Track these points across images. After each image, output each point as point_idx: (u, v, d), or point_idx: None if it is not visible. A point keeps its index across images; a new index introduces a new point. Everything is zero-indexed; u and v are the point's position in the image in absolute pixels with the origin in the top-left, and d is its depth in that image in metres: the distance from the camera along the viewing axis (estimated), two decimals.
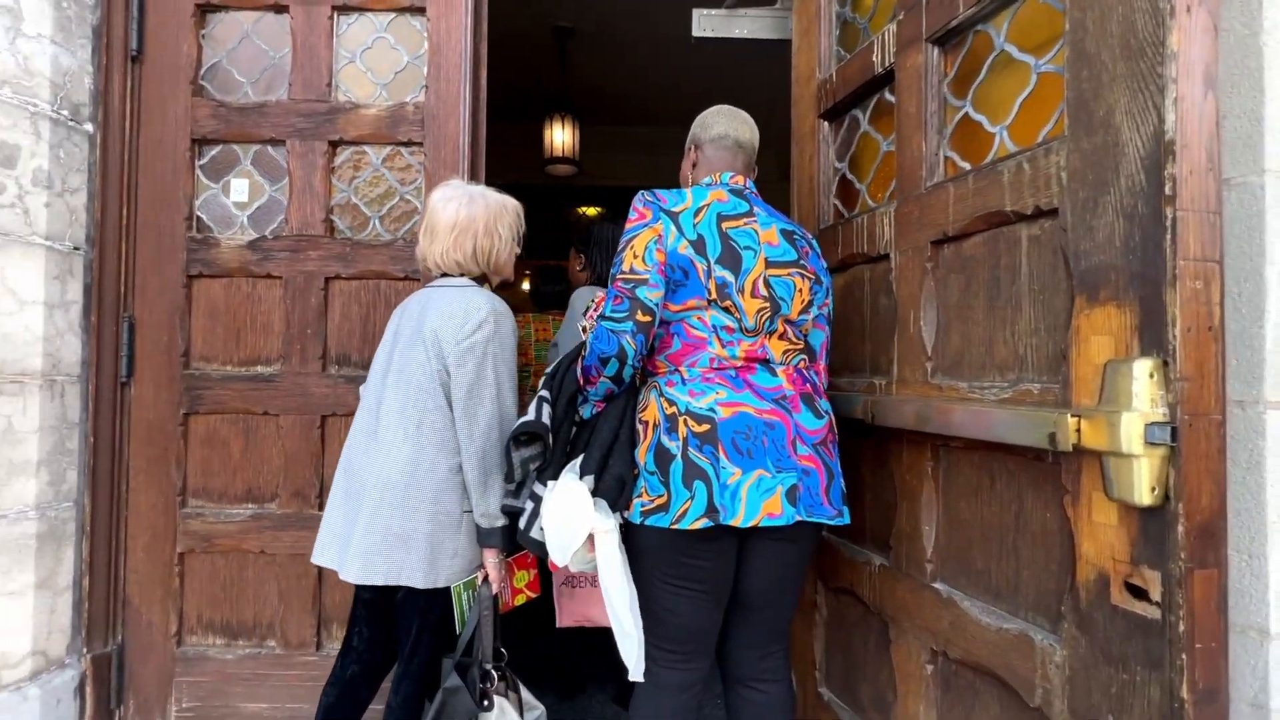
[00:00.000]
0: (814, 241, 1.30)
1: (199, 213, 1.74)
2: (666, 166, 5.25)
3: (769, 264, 1.19)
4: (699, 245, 1.16)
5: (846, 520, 1.21)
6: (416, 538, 1.28)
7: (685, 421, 1.13)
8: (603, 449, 1.19)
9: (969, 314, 1.12)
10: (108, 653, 1.67)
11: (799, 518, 1.13)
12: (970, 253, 1.12)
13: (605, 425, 1.21)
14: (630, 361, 1.14)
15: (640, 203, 1.20)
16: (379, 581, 1.27)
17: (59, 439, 1.59)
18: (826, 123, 1.58)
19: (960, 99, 1.17)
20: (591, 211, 5.49)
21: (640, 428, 1.20)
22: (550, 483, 1.21)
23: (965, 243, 1.12)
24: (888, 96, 1.37)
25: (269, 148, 1.74)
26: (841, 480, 1.23)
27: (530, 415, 1.25)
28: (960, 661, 1.09)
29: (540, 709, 1.43)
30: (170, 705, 1.68)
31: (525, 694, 1.42)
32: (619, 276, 1.16)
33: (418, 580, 1.27)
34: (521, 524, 1.27)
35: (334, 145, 1.73)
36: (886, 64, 1.31)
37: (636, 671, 1.16)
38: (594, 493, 1.16)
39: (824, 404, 1.23)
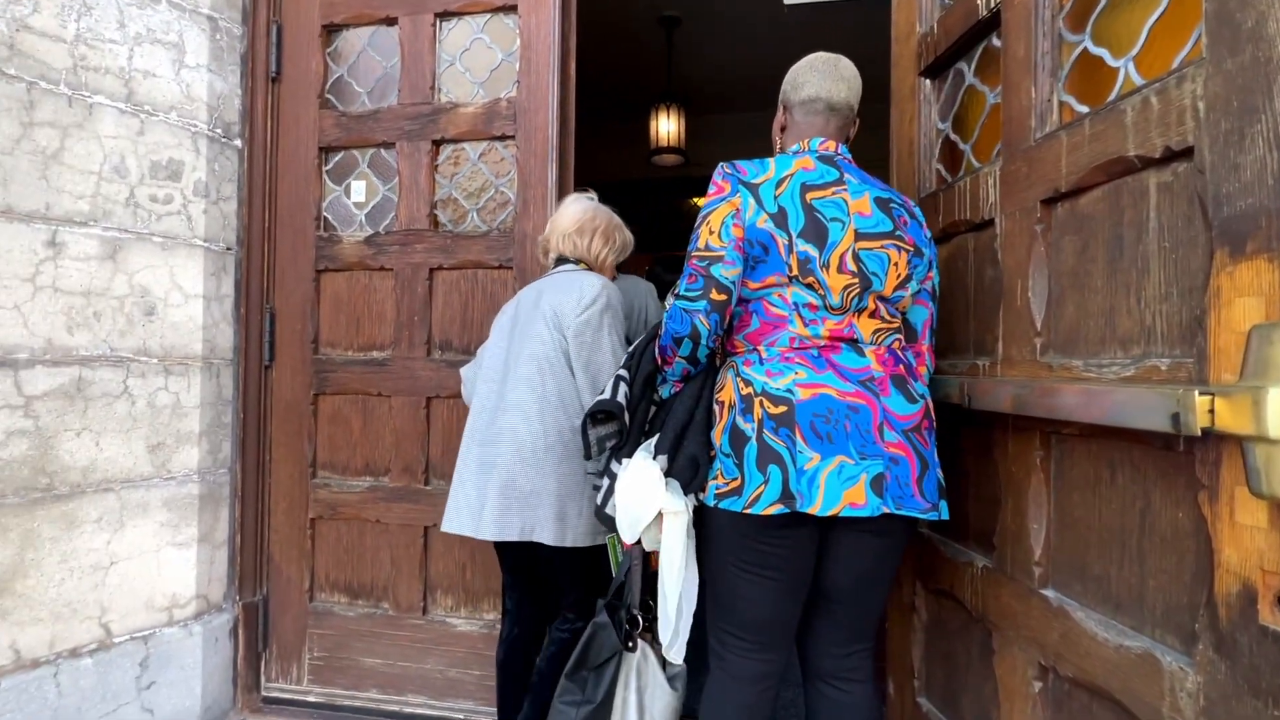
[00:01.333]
0: (916, 209, 1.19)
1: (325, 213, 1.93)
2: (770, 150, 5.06)
3: (859, 236, 1.10)
4: (780, 218, 1.09)
5: (944, 515, 1.10)
6: (546, 496, 1.37)
7: (761, 402, 1.07)
8: (677, 429, 1.16)
9: (1086, 281, 0.97)
10: (255, 602, 1.90)
11: (886, 509, 1.05)
12: (1087, 210, 0.96)
13: (680, 405, 1.19)
14: (704, 341, 1.11)
15: (719, 175, 1.15)
16: (513, 537, 1.36)
17: (216, 414, 1.83)
18: (928, 80, 1.43)
19: (1078, 33, 1.01)
20: (701, 202, 5.43)
21: (716, 408, 1.16)
22: (625, 460, 1.21)
23: (1081, 199, 0.97)
24: (995, 42, 1.22)
25: (381, 150, 1.89)
26: (939, 471, 1.12)
27: (606, 394, 1.25)
28: (1073, 680, 0.95)
29: (681, 668, 1.40)
30: (304, 653, 1.88)
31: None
32: (694, 254, 1.12)
33: (548, 537, 1.36)
34: (598, 499, 1.28)
35: (436, 144, 1.85)
36: (992, 5, 1.17)
37: (672, 652, 1.16)
38: (667, 473, 1.14)
39: (919, 387, 1.13)
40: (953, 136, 1.36)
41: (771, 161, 1.15)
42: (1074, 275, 0.99)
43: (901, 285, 1.13)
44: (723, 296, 1.09)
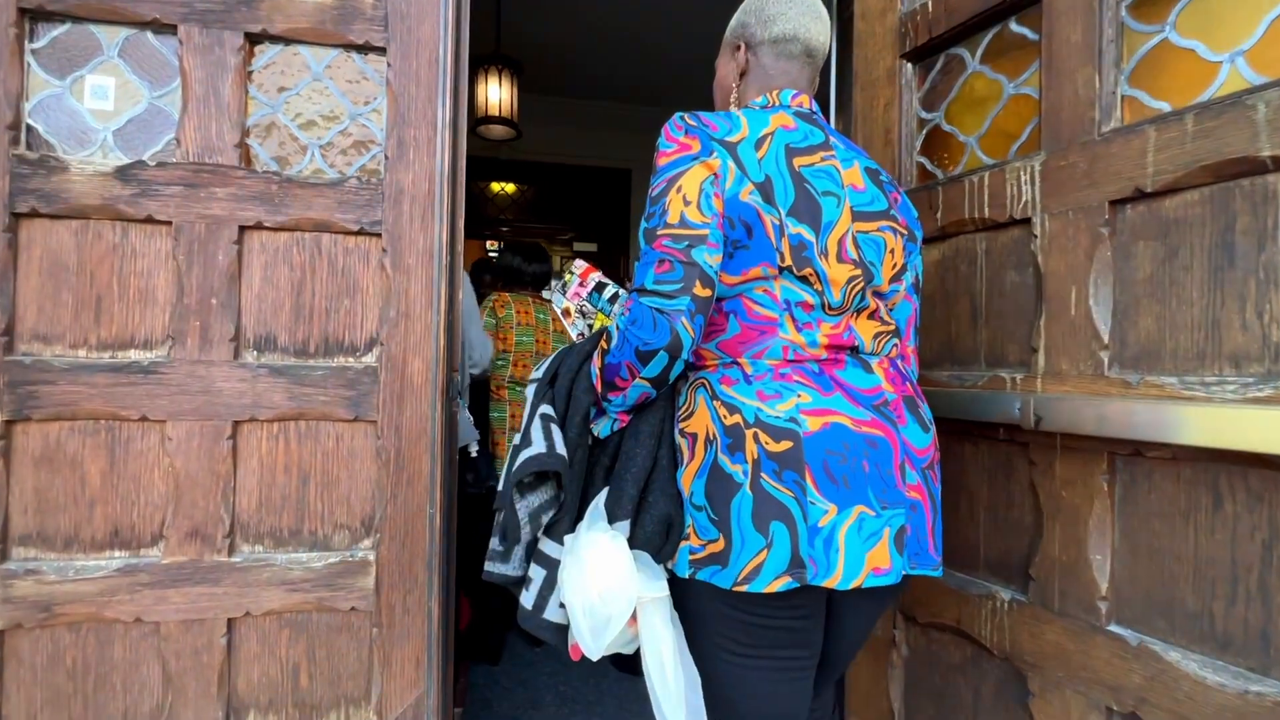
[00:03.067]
0: (899, 187, 1.01)
1: (32, 120, 1.16)
2: (614, 143, 4.81)
3: (855, 215, 0.89)
4: (766, 190, 0.84)
5: (942, 571, 0.93)
6: None
7: (756, 436, 0.81)
8: (638, 480, 0.86)
9: (1173, 291, 0.88)
10: None
11: (904, 572, 0.86)
12: (1178, 214, 0.88)
13: (637, 447, 0.88)
14: (685, 354, 0.82)
15: (678, 128, 0.87)
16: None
17: None
18: (910, 65, 1.31)
19: (1152, 23, 0.93)
20: (510, 189, 5.00)
21: (683, 444, 0.88)
22: (567, 538, 0.88)
23: (1168, 201, 0.89)
24: (1014, 28, 1.12)
25: (149, 34, 1.20)
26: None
27: (536, 444, 0.89)
28: None
29: None
30: None
31: None
32: (664, 230, 0.82)
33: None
34: (527, 602, 0.91)
35: (252, 40, 1.23)
36: None
37: None
38: (631, 542, 0.85)
39: (927, 410, 0.95)
40: (946, 127, 1.25)
41: (740, 115, 0.89)
42: (1153, 284, 0.90)
43: (897, 277, 0.94)
44: (708, 292, 0.81)
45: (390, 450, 1.24)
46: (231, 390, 1.20)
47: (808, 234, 0.85)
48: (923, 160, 1.29)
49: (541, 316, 2.32)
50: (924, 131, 1.29)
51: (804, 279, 0.85)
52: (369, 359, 1.26)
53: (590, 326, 1.33)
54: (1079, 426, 0.92)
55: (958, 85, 1.23)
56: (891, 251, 0.92)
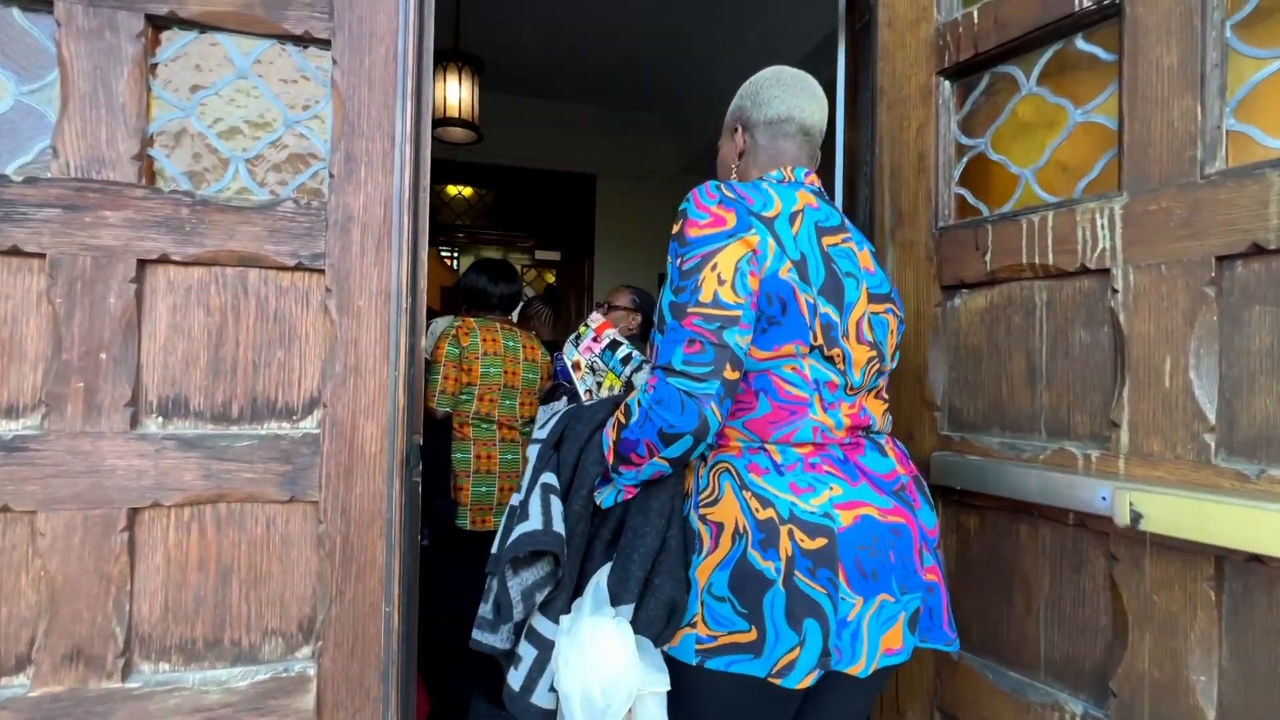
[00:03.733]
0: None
1: None
2: (579, 148, 4.60)
3: (870, 298, 0.92)
4: (802, 268, 0.85)
5: (958, 646, 0.94)
6: None
7: (791, 533, 0.80)
8: (645, 562, 0.83)
9: None
10: None
11: (914, 646, 0.88)
12: None
13: (647, 525, 0.85)
14: (710, 437, 0.80)
15: (712, 198, 0.84)
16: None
17: None
18: (949, 82, 1.15)
19: (1266, 46, 0.79)
20: (468, 193, 4.71)
21: (704, 530, 0.85)
22: (563, 619, 0.84)
23: None
24: (1081, 45, 0.97)
25: (15, 11, 0.93)
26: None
27: (533, 519, 0.84)
28: None
29: None
30: None
31: None
32: (695, 310, 0.80)
33: None
34: (515, 682, 0.87)
35: (157, 24, 0.97)
36: None
37: None
38: (635, 626, 0.82)
39: (927, 487, 0.97)
40: (994, 156, 1.09)
41: (769, 188, 0.89)
42: (1273, 358, 0.76)
43: (894, 355, 0.98)
44: (736, 375, 0.80)
45: (336, 537, 1.01)
46: (127, 469, 0.94)
47: (834, 314, 0.86)
48: (962, 192, 1.13)
49: (511, 344, 2.08)
50: (964, 160, 1.13)
51: (830, 359, 0.86)
52: (309, 425, 1.02)
53: (599, 385, 1.21)
54: (1185, 530, 0.77)
55: (1008, 109, 1.07)
56: (892, 332, 0.95)
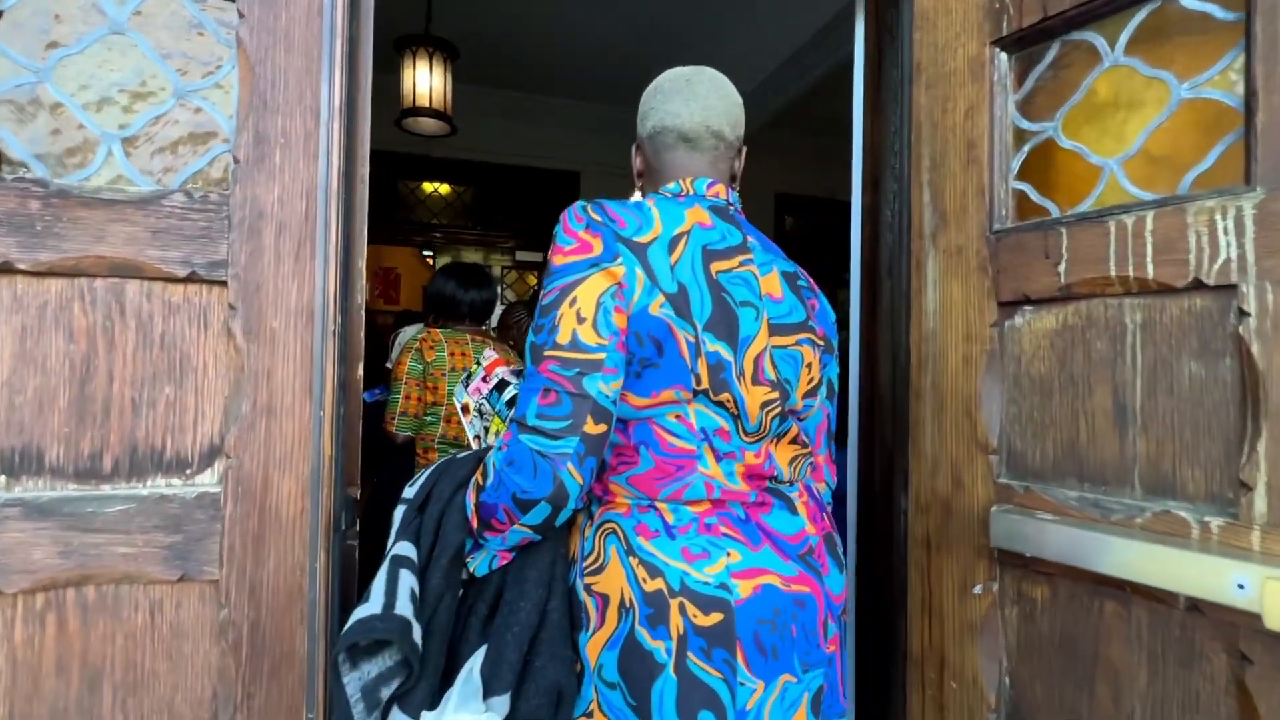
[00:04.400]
0: (817, 290, 0.92)
1: None
2: (562, 143, 4.37)
3: (772, 329, 0.81)
4: (680, 301, 0.74)
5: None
6: None
7: (682, 607, 0.72)
8: (521, 642, 0.72)
9: None
10: None
11: None
12: None
13: (521, 599, 0.74)
14: (573, 503, 0.71)
15: (578, 220, 0.76)
16: None
17: None
18: (1006, 54, 0.95)
19: None
20: (445, 190, 4.47)
21: (589, 603, 0.76)
22: (425, 715, 0.70)
23: None
24: (1187, 2, 0.77)
25: None
26: None
27: (375, 596, 0.71)
28: None
29: None
30: None
31: None
32: (551, 353, 0.71)
33: None
34: None
35: None
36: None
37: None
38: (513, 717, 0.70)
39: (839, 542, 0.88)
40: (1066, 143, 0.89)
41: (651, 206, 0.79)
42: None
43: (812, 392, 0.86)
44: (602, 428, 0.70)
45: (242, 625, 0.79)
46: None
47: (725, 352, 0.76)
48: (1023, 188, 0.93)
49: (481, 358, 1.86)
50: (1025, 148, 0.93)
51: (720, 404, 0.76)
52: (206, 481, 0.79)
53: (486, 430, 1.07)
54: None
55: (1085, 85, 0.87)
56: (808, 366, 0.84)
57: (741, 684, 0.71)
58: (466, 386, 1.08)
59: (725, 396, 0.75)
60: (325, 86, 0.81)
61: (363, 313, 0.89)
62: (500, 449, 0.71)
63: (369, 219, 0.90)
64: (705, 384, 0.74)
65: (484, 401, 1.06)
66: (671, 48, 3.48)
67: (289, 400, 0.80)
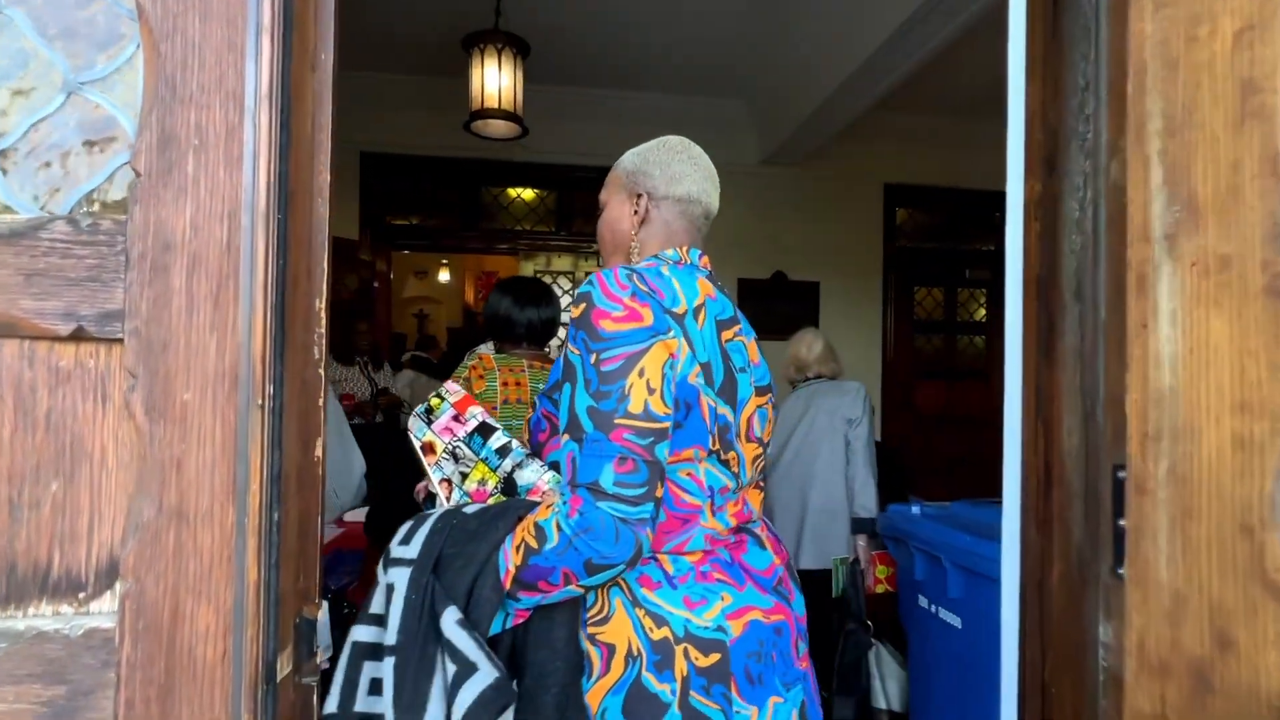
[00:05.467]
0: None
1: None
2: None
3: (757, 391, 0.90)
4: (708, 370, 0.82)
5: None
6: None
7: (686, 652, 0.77)
8: (561, 705, 0.73)
9: None
10: None
11: None
12: None
13: (555, 658, 0.75)
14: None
15: (624, 289, 0.78)
16: None
17: None
18: None
19: None
20: (529, 195, 4.34)
21: (594, 652, 0.79)
22: None
23: None
24: None
25: None
26: None
27: (483, 668, 0.69)
28: None
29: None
30: None
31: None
32: (624, 421, 0.73)
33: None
34: None
35: None
36: None
37: None
38: None
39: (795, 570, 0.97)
40: None
41: (672, 278, 0.84)
42: None
43: (768, 442, 0.96)
44: (662, 490, 0.77)
45: None
46: None
47: (730, 415, 0.85)
48: None
49: (540, 387, 1.63)
50: None
51: (726, 462, 0.86)
52: (98, 612, 0.58)
53: (463, 476, 0.96)
54: None
55: None
56: (770, 421, 0.95)
57: (737, 713, 0.78)
58: (429, 422, 0.96)
59: (731, 455, 0.85)
60: (251, 63, 0.58)
61: (321, 372, 0.66)
62: (568, 515, 0.73)
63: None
64: (717, 445, 0.82)
65: (460, 445, 0.94)
66: (769, 27, 3.13)
67: (205, 501, 0.58)
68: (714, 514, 0.84)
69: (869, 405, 2.30)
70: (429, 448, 0.95)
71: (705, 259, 0.96)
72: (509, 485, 0.89)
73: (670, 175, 0.95)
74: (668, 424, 0.76)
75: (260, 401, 0.58)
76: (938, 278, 4.61)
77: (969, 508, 1.76)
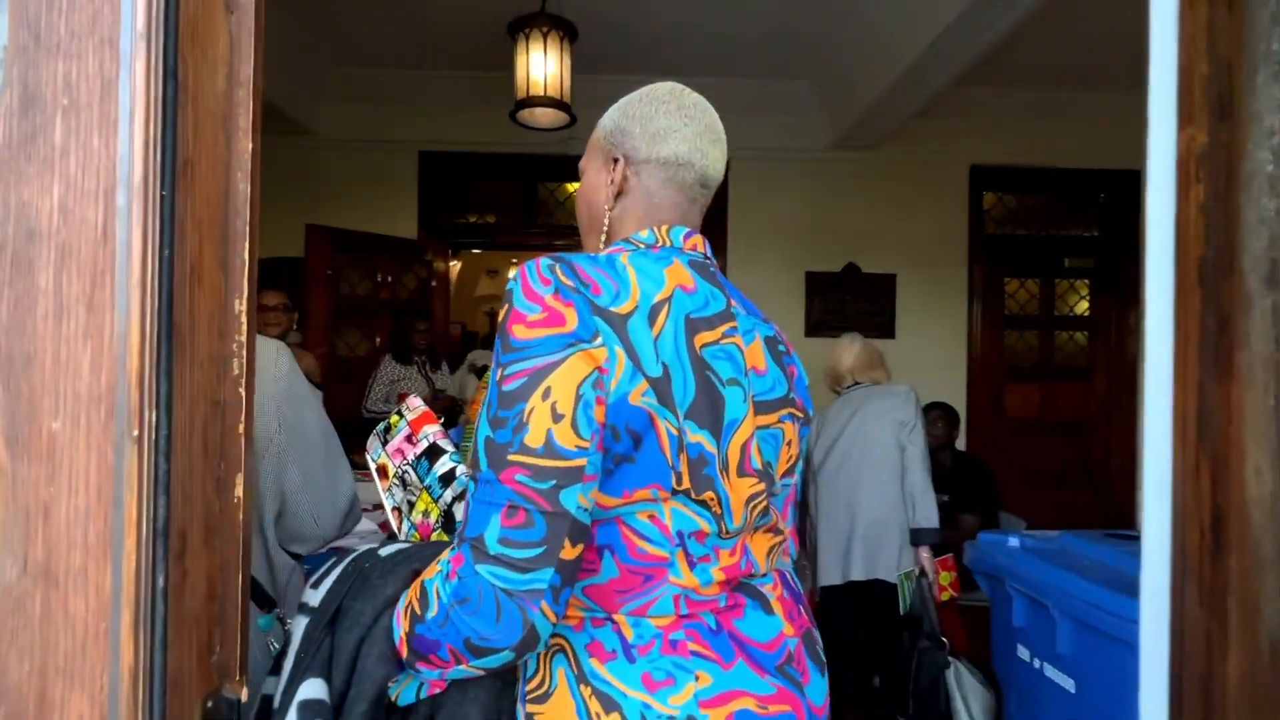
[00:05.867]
0: (793, 352, 0.80)
1: None
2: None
3: (757, 408, 0.70)
4: (663, 387, 0.62)
5: None
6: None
7: None
8: None
9: None
10: None
11: None
12: None
13: None
14: (543, 646, 0.58)
15: (546, 283, 0.61)
16: None
17: None
18: None
19: None
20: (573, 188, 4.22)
21: None
22: None
23: None
24: None
25: None
26: None
27: None
28: None
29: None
30: None
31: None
32: (518, 457, 0.57)
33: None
34: None
35: None
36: None
37: None
38: None
39: (818, 636, 0.76)
40: None
41: (627, 264, 0.67)
42: None
43: (789, 471, 0.76)
44: (578, 549, 0.58)
45: None
46: None
47: (709, 443, 0.64)
48: None
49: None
50: None
51: (702, 503, 0.65)
52: None
53: (410, 505, 0.83)
54: None
55: None
56: (789, 444, 0.75)
57: None
58: (385, 445, 0.86)
59: (709, 495, 0.65)
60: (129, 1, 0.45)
61: (243, 392, 0.53)
62: (447, 577, 0.57)
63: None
64: (686, 482, 0.64)
65: (408, 469, 0.83)
66: (834, 9, 2.87)
67: (78, 559, 0.46)
68: (690, 567, 0.65)
69: (920, 409, 2.17)
70: (383, 471, 0.83)
71: (696, 239, 0.75)
72: (449, 520, 0.75)
73: (652, 132, 0.74)
74: (581, 460, 0.57)
75: (136, 432, 0.45)
76: (1032, 268, 4.17)
77: (1082, 542, 1.48)
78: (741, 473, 0.67)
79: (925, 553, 2.05)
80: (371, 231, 3.65)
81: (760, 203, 3.95)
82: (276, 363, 0.84)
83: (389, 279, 3.68)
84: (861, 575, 2.07)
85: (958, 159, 3.94)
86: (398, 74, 3.67)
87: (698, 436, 0.63)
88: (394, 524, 0.82)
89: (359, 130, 3.78)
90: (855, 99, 3.45)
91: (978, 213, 4.02)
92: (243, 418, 0.53)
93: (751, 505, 0.68)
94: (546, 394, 0.57)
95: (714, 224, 4.02)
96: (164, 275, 0.46)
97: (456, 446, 0.85)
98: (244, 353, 0.53)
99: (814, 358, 3.98)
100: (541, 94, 2.34)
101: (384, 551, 0.69)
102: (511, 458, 0.56)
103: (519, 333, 0.59)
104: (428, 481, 0.81)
